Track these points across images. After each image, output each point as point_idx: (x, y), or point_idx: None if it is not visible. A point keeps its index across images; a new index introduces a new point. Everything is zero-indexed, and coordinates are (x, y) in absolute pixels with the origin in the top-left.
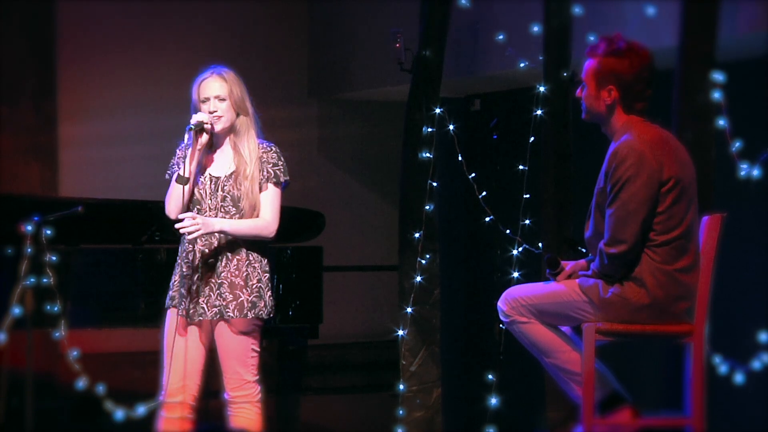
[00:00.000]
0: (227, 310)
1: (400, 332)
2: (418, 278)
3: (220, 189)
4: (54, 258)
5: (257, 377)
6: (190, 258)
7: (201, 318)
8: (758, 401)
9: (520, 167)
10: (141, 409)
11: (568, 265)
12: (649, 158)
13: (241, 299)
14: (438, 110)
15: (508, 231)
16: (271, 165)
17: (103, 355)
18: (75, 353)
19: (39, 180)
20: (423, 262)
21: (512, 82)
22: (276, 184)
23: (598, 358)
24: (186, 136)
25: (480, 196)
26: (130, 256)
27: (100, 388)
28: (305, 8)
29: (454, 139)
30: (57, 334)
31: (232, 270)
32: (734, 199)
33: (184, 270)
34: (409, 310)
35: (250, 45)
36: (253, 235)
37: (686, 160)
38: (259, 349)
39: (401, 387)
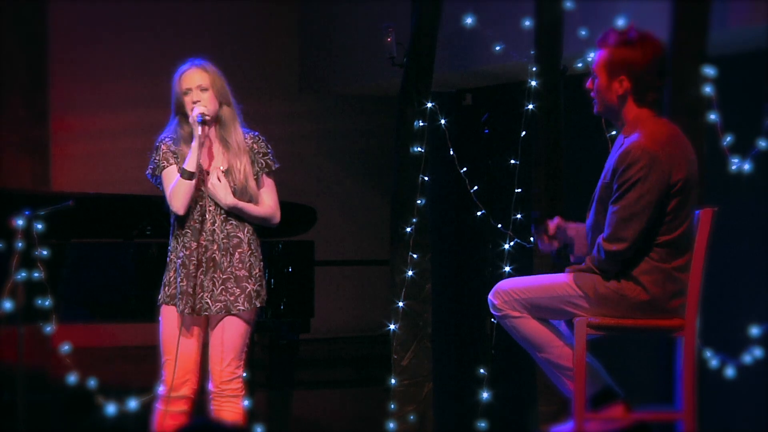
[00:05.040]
0: (236, 303)
1: (392, 327)
2: (410, 273)
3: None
4: (45, 252)
5: (244, 374)
6: (195, 255)
7: (206, 313)
8: (749, 395)
9: (512, 162)
10: (133, 404)
11: (569, 227)
12: (661, 161)
13: (248, 290)
14: (429, 105)
15: (499, 225)
16: (262, 155)
17: (95, 350)
18: (66, 347)
19: (30, 174)
20: (414, 256)
21: (503, 76)
22: (269, 173)
23: (590, 353)
24: (198, 129)
25: (471, 191)
26: (121, 251)
27: (92, 383)
28: (296, 2)
29: (446, 134)
30: (48, 329)
31: (236, 264)
32: (725, 193)
33: (190, 268)
34: (400, 304)
35: (241, 40)
36: (262, 218)
37: (693, 157)
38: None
39: (393, 381)
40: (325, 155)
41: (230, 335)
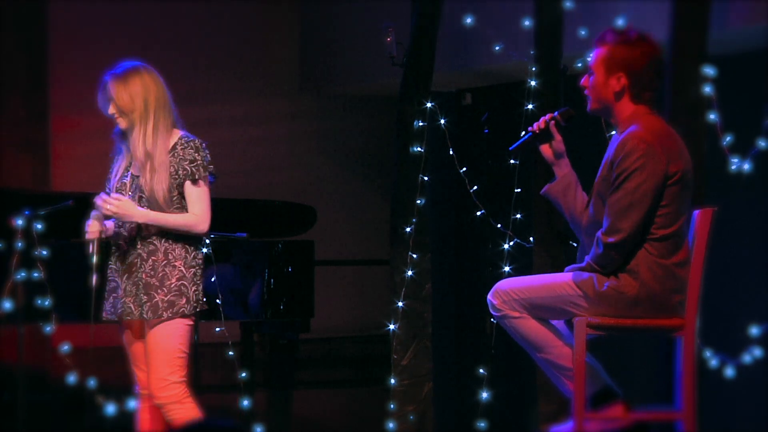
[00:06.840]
0: (143, 310)
1: (392, 326)
2: (410, 272)
3: (137, 189)
4: (45, 252)
5: (183, 379)
6: (114, 258)
7: (129, 317)
8: (749, 395)
9: (511, 161)
10: (132, 404)
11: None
12: (658, 151)
13: (155, 300)
14: (429, 104)
15: (499, 225)
16: (188, 162)
17: (95, 350)
18: (66, 347)
19: (30, 174)
20: (414, 256)
21: (503, 76)
22: (193, 181)
23: (590, 353)
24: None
25: (471, 191)
26: None
27: (92, 383)
28: (296, 2)
29: (446, 134)
30: (48, 329)
31: (147, 271)
32: (725, 193)
33: (107, 273)
34: (400, 304)
35: (241, 39)
36: (180, 227)
37: (689, 156)
38: (187, 350)
39: (392, 381)
40: (325, 155)
41: (152, 343)
